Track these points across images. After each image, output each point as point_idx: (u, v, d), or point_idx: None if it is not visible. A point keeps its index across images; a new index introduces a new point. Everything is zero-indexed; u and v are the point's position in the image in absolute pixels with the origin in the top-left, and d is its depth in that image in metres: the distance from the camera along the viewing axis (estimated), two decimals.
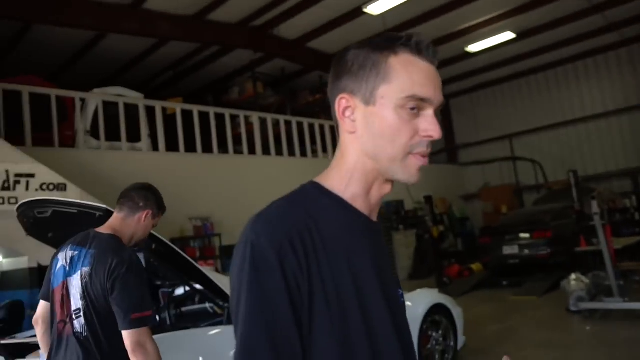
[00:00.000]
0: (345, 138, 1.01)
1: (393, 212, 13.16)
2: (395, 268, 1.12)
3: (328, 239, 0.92)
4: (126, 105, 9.01)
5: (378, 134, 0.96)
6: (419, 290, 5.35)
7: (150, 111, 9.55)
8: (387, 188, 1.03)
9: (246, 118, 11.35)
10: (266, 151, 11.61)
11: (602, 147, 14.02)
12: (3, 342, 3.38)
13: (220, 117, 10.84)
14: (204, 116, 10.43)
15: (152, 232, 3.32)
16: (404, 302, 1.07)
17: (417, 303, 4.99)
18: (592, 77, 14.24)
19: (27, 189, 6.65)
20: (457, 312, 5.35)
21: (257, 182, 11.10)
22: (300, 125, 12.36)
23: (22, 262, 6.56)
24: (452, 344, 5.21)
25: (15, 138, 7.76)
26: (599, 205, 6.66)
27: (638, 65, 13.41)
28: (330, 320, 0.87)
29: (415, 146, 0.96)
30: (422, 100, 0.95)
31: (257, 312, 0.84)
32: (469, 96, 16.52)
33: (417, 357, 1.06)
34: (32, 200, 3.49)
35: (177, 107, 10.09)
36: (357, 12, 10.13)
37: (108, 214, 3.23)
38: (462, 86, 15.79)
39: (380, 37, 1.00)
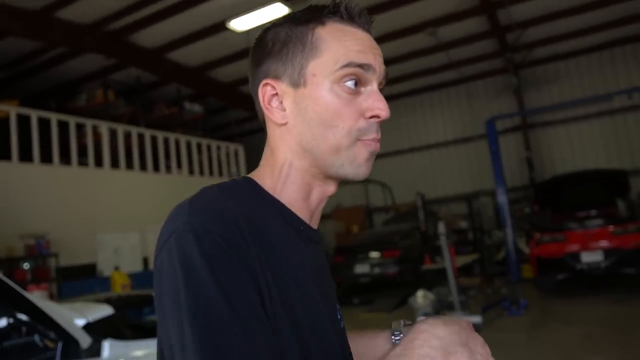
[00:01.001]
0: (274, 132, 0.84)
1: None
2: (333, 285, 0.96)
3: (268, 240, 0.75)
4: None
5: (315, 121, 0.79)
6: None
7: None
8: (331, 189, 0.87)
9: (94, 128, 10.49)
10: (115, 164, 10.82)
11: (443, 172, 15.32)
12: None
13: (63, 125, 9.86)
14: (44, 123, 9.41)
15: None
16: (341, 321, 0.92)
17: None
18: (436, 108, 15.56)
19: None
20: None
21: (103, 197, 10.28)
22: (154, 138, 11.74)
23: None
24: None
25: None
26: (445, 226, 7.17)
27: (474, 101, 14.94)
28: (288, 320, 0.71)
29: (363, 131, 0.80)
30: (361, 67, 0.79)
31: (231, 320, 0.63)
32: None
33: None
34: None
35: (12, 110, 8.97)
36: (221, 26, 9.92)
37: None
38: None
39: (305, 10, 0.84)
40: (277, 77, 0.82)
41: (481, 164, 13.87)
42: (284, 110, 0.82)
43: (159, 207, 11.51)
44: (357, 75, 0.80)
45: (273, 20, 0.86)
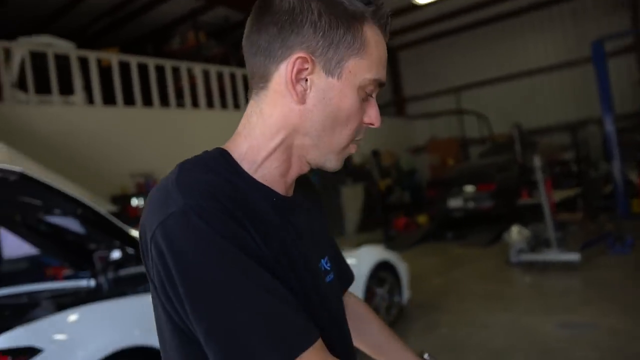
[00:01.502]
0: (278, 105, 0.81)
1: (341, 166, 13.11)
2: (326, 235, 1.02)
3: (251, 209, 0.77)
4: (56, 56, 8.38)
5: (332, 114, 0.79)
6: (364, 248, 5.34)
7: (84, 62, 8.95)
8: (305, 169, 0.88)
9: (188, 70, 10.86)
10: (210, 104, 11.22)
11: (545, 100, 14.33)
12: None
13: (160, 69, 10.31)
14: (143, 68, 9.89)
15: (75, 197, 3.09)
16: (331, 281, 0.94)
17: (362, 261, 4.98)
18: (537, 30, 14.38)
19: None
20: (402, 268, 5.39)
21: (201, 136, 10.74)
22: (245, 77, 11.95)
23: None
24: (397, 299, 5.27)
25: None
26: (541, 159, 6.79)
27: (579, 20, 13.60)
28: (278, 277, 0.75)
29: (358, 134, 0.85)
30: (381, 86, 0.83)
31: (239, 279, 0.67)
32: (417, 48, 16.44)
33: (348, 327, 0.96)
34: None
35: (114, 58, 9.48)
36: None
37: (24, 178, 2.96)
38: (411, 38, 15.67)
39: None
40: (313, 54, 0.78)
41: (587, 90, 12.76)
42: (307, 90, 0.79)
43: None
44: (375, 88, 0.83)
45: None
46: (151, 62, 10.10)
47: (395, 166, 14.63)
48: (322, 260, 0.91)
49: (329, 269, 0.92)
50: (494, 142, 13.86)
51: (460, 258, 8.20)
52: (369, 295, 4.97)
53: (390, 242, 10.29)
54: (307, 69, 0.78)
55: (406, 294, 5.39)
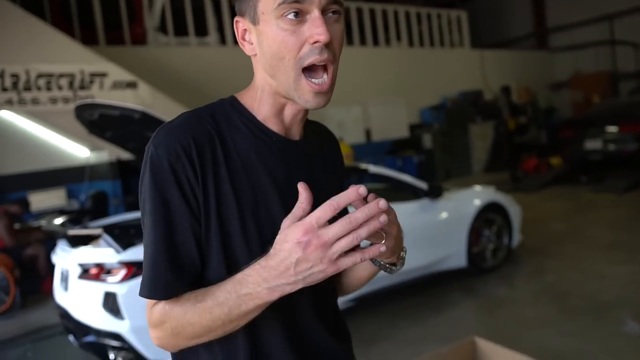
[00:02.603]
0: (253, 63, 0.98)
1: (470, 103, 12.59)
2: (333, 186, 1.07)
3: (232, 155, 0.92)
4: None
5: (269, 53, 0.90)
6: (471, 189, 5.24)
7: (217, 4, 9.45)
8: (296, 108, 0.98)
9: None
10: (350, 41, 11.30)
11: None
12: (70, 232, 3.77)
13: None
14: None
15: None
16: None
17: (467, 202, 4.91)
18: None
19: (100, 87, 7.01)
20: (513, 211, 5.22)
21: (341, 74, 10.95)
22: (372, 11, 11.79)
23: (103, 156, 7.11)
24: (506, 242, 5.16)
25: (89, 38, 8.09)
26: None
27: None
28: (220, 226, 0.90)
29: (304, 58, 0.88)
30: (296, 1, 0.85)
31: (156, 219, 0.87)
32: None
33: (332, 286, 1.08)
34: (81, 104, 3.69)
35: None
36: None
37: (144, 116, 3.37)
38: None
39: None
40: (242, 15, 0.93)
41: None
42: (252, 43, 0.94)
43: (380, 80, 11.87)
44: (297, 8, 0.85)
45: None
46: None
47: (531, 103, 13.68)
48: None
49: None
50: None
51: (590, 204, 7.64)
52: (475, 236, 4.93)
53: (516, 183, 9.87)
54: (245, 29, 0.94)
55: (517, 237, 5.24)
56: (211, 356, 0.93)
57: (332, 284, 1.10)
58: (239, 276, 0.82)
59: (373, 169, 4.79)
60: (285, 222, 0.79)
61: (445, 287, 4.75)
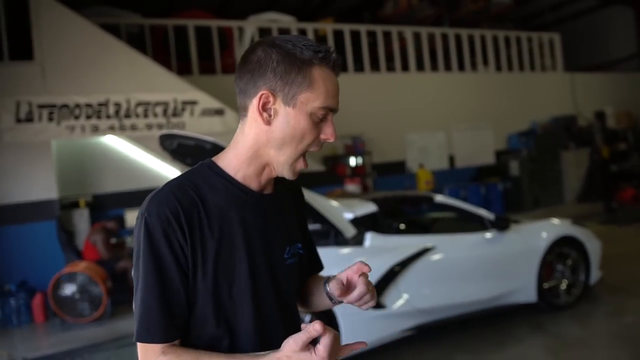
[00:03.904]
0: (252, 127, 1.12)
1: (563, 128, 12.04)
2: (295, 229, 1.28)
3: (213, 215, 1.10)
4: (279, 30, 9.45)
5: (289, 133, 1.09)
6: (545, 222, 5.06)
7: (303, 33, 9.88)
8: (274, 173, 1.16)
9: (399, 33, 11.09)
10: (420, 67, 11.32)
11: None
12: None
13: (372, 35, 10.77)
14: (355, 35, 10.47)
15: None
16: (292, 264, 1.22)
17: (537, 235, 4.76)
18: None
19: (191, 114, 7.60)
20: (591, 246, 4.97)
21: (410, 99, 11.00)
22: (458, 37, 11.70)
23: None
24: (582, 278, 4.91)
25: (185, 68, 8.78)
26: None
27: None
28: (205, 278, 1.08)
29: (313, 145, 1.11)
30: (331, 110, 1.10)
31: (151, 275, 1.06)
32: None
33: (296, 313, 1.23)
34: (163, 134, 4.09)
35: (328, 27, 10.25)
36: None
37: (215, 147, 3.66)
38: None
39: (303, 45, 1.08)
40: (274, 91, 1.08)
41: None
42: (272, 116, 1.10)
43: (465, 106, 11.71)
44: (329, 114, 1.11)
45: (278, 40, 1.11)
46: (363, 29, 10.62)
47: (632, 129, 12.80)
48: (288, 248, 1.22)
49: (288, 256, 1.22)
50: None
51: None
52: (547, 271, 4.75)
53: (610, 215, 9.29)
54: (270, 101, 1.09)
55: (595, 274, 4.98)
56: None
57: (294, 304, 1.28)
58: None
59: (439, 198, 4.80)
60: (291, 341, 0.97)
61: (512, 322, 4.61)
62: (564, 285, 4.84)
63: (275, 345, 1.05)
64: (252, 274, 1.12)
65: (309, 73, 1.07)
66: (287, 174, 1.13)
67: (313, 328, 0.94)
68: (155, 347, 1.05)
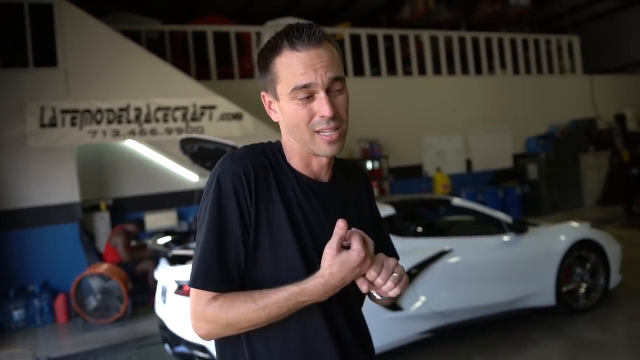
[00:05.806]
0: (280, 124, 1.22)
1: (582, 132, 11.91)
2: (363, 216, 1.30)
3: (282, 185, 1.16)
4: None
5: (288, 123, 1.16)
6: (563, 225, 5.04)
7: None
8: (324, 159, 1.19)
9: (416, 37, 11.10)
10: (437, 70, 11.31)
11: None
12: (174, 252, 4.22)
13: (389, 39, 10.79)
14: (372, 39, 10.51)
15: None
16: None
17: (556, 238, 4.74)
18: None
19: (210, 118, 7.69)
20: (611, 249, 4.93)
21: (427, 103, 10.99)
22: (475, 40, 11.67)
23: None
24: (602, 282, 4.88)
25: (203, 73, 8.90)
26: None
27: None
28: (270, 240, 1.12)
29: (315, 125, 1.12)
30: (305, 87, 1.10)
31: (215, 226, 1.11)
32: None
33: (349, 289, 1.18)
34: (184, 138, 4.17)
35: (345, 31, 10.30)
36: None
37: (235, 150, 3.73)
38: None
39: (274, 38, 1.15)
40: (266, 91, 1.20)
41: None
42: (276, 112, 1.20)
43: (482, 109, 11.66)
44: (306, 92, 1.11)
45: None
46: (380, 33, 10.65)
47: None
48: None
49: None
50: None
51: None
52: (566, 274, 4.73)
53: (631, 219, 9.18)
54: (269, 100, 1.20)
55: (615, 277, 4.94)
56: (265, 344, 1.14)
57: (359, 300, 1.31)
58: (296, 289, 1.05)
59: (457, 201, 4.81)
60: (327, 249, 1.05)
61: (529, 325, 4.60)
62: (582, 289, 4.82)
63: (339, 320, 1.17)
64: (304, 256, 1.13)
65: (272, 67, 1.13)
66: (318, 151, 1.14)
67: (338, 227, 1.04)
68: (208, 294, 1.10)
